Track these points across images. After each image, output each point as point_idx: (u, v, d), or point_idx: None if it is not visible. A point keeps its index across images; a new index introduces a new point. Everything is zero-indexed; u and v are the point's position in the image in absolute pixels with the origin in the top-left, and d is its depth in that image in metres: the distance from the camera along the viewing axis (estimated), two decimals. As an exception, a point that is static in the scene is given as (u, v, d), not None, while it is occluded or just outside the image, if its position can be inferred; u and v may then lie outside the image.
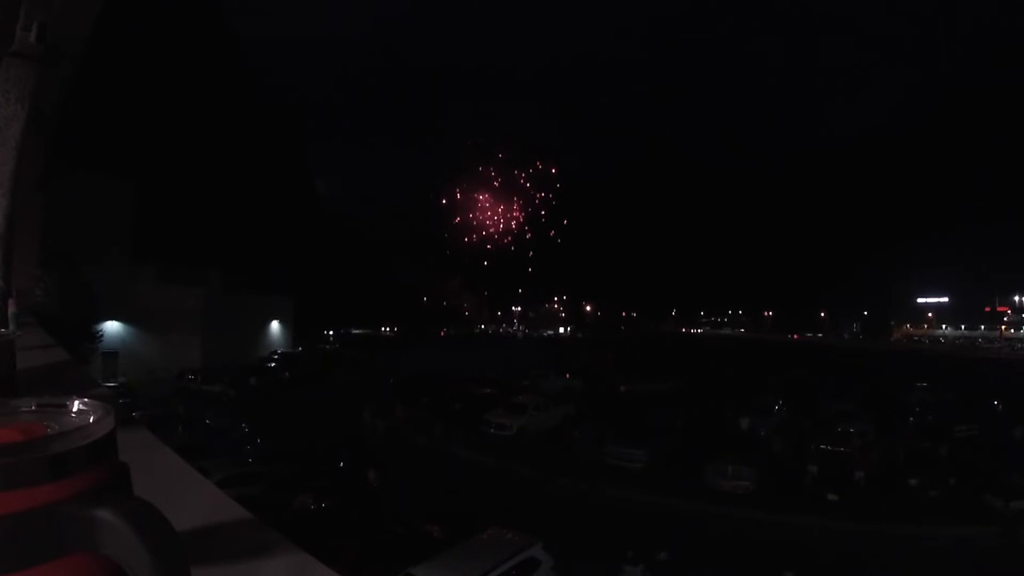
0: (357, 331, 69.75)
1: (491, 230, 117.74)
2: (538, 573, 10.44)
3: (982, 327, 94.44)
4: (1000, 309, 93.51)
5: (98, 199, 30.46)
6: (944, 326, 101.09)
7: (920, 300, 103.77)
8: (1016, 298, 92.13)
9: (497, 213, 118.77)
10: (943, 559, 12.89)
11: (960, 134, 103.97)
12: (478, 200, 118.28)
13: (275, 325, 45.63)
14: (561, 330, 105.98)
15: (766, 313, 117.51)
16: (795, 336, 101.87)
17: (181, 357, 32.89)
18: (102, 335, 27.62)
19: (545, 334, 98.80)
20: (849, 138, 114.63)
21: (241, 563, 0.97)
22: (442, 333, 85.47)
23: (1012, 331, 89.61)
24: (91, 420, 0.55)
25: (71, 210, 21.85)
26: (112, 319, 31.52)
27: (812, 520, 14.94)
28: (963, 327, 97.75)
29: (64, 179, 17.19)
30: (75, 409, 0.60)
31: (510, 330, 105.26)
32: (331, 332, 63.15)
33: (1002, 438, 21.32)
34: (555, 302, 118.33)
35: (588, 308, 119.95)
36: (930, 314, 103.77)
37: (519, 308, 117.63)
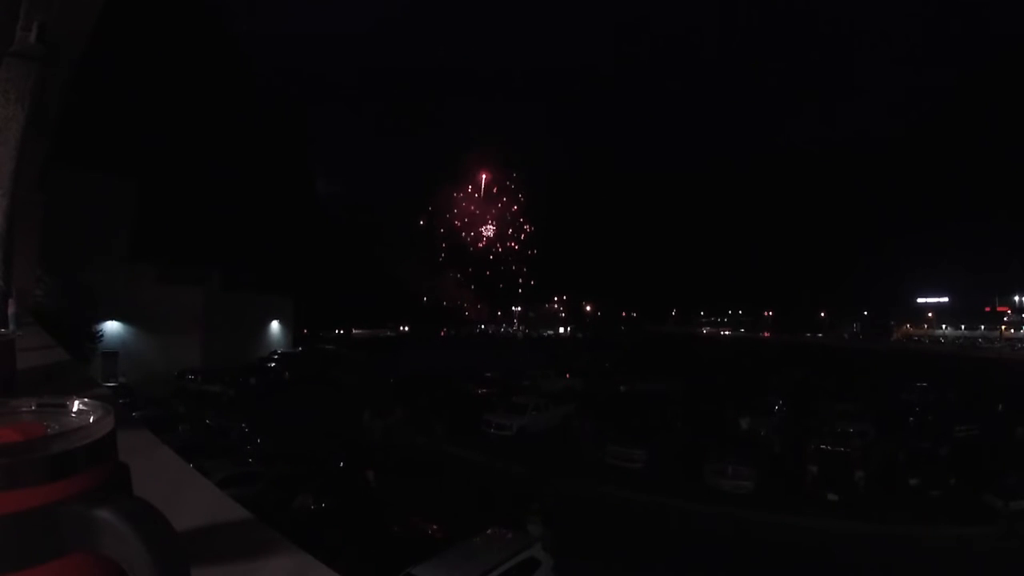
0: (357, 331, 69.79)
1: (491, 230, 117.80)
2: (538, 573, 10.44)
3: (982, 327, 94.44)
4: (1000, 309, 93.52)
5: (98, 199, 30.43)
6: (944, 326, 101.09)
7: (920, 300, 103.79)
8: (1016, 298, 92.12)
9: (497, 213, 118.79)
10: (943, 559, 12.89)
11: (960, 133, 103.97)
12: (478, 200, 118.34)
13: (275, 325, 45.61)
14: (561, 330, 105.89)
15: (766, 313, 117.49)
16: (766, 334, 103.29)
17: (181, 357, 32.85)
18: (102, 335, 27.59)
19: (545, 334, 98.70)
20: (849, 138, 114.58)
21: (241, 563, 0.97)
22: (442, 333, 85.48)
23: (1012, 331, 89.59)
24: (91, 420, 0.55)
25: (71, 210, 21.84)
26: (112, 319, 31.49)
27: (812, 520, 14.94)
28: (963, 327, 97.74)
29: (64, 179, 17.20)
30: (75, 409, 0.60)
31: (510, 330, 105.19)
32: (331, 332, 63.16)
33: (1002, 438, 21.32)
34: (555, 302, 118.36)
35: (588, 308, 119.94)
36: (930, 314, 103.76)
37: (519, 308, 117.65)
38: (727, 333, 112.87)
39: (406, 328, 79.84)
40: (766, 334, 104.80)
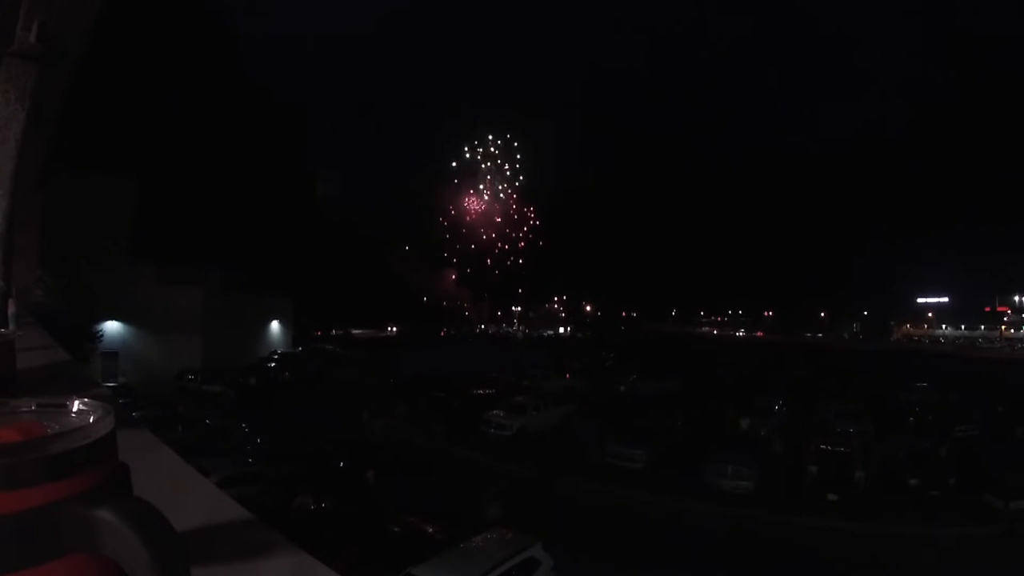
0: (357, 331, 69.77)
1: (491, 230, 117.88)
2: (538, 573, 10.44)
3: (982, 327, 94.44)
4: (1000, 309, 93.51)
5: (98, 199, 30.43)
6: (944, 326, 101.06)
7: (920, 300, 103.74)
8: (1016, 298, 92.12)
9: (497, 213, 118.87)
10: (943, 559, 12.89)
11: (960, 134, 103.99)
12: (478, 200, 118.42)
13: (275, 325, 45.62)
14: (561, 330, 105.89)
15: (766, 313, 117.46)
16: (760, 334, 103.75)
17: (181, 357, 32.86)
18: (102, 335, 27.59)
19: (545, 334, 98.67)
20: (849, 137, 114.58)
21: (241, 563, 0.97)
22: (442, 333, 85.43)
23: (1012, 331, 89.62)
24: (91, 420, 0.55)
25: (71, 210, 21.84)
26: (112, 319, 31.52)
27: (812, 520, 14.95)
28: (963, 327, 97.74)
29: (64, 179, 17.21)
30: (75, 409, 0.60)
31: (510, 330, 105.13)
32: (331, 332, 63.17)
33: (1002, 438, 21.33)
34: (555, 302, 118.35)
35: (588, 308, 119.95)
36: (930, 314, 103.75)
37: (519, 308, 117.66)
38: (738, 334, 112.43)
39: (406, 328, 79.80)
40: (760, 334, 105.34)
